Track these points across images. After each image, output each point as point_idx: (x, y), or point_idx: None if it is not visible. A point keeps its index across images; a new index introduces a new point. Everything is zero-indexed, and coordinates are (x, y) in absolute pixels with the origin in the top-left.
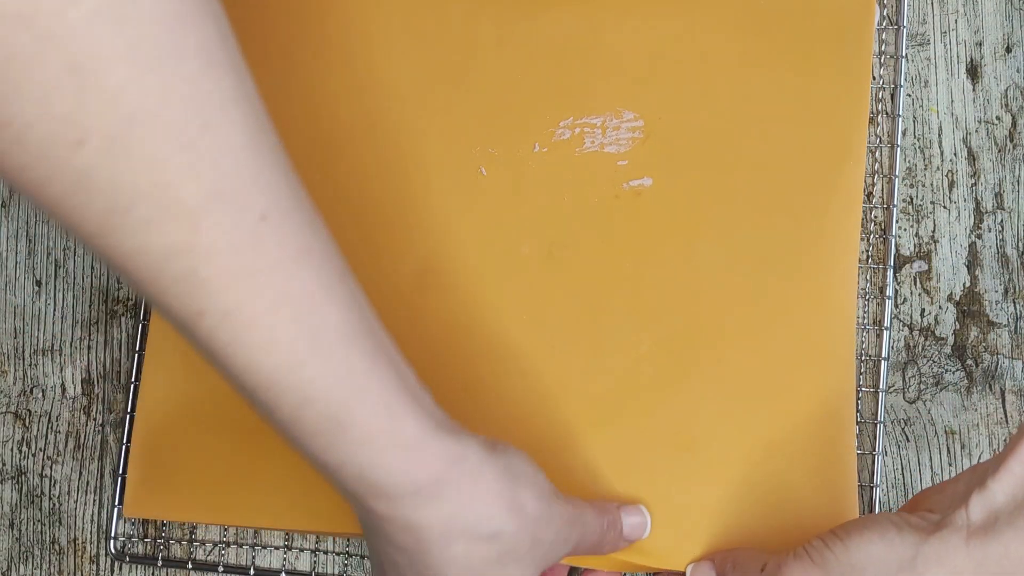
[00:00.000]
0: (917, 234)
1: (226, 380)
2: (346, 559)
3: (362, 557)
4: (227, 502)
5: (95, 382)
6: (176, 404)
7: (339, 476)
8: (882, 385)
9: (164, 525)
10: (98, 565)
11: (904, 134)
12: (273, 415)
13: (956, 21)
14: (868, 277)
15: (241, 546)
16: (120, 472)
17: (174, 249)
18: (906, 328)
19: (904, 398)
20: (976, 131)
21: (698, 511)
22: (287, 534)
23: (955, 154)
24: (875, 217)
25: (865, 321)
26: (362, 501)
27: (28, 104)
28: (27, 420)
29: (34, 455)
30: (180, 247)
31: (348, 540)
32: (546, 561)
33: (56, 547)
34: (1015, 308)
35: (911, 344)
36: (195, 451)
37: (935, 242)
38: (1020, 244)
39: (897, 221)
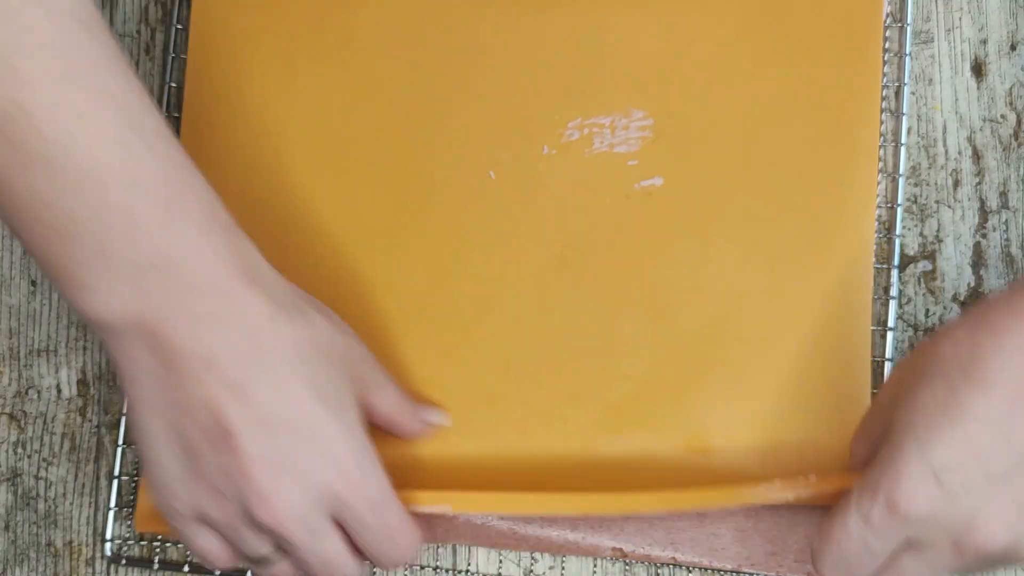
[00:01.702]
0: (921, 233)
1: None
2: None
3: None
4: None
5: (91, 383)
6: None
7: (165, 272)
8: None
9: None
10: (94, 568)
11: (908, 132)
12: (103, 208)
13: (960, 18)
14: (872, 277)
15: None
16: (116, 474)
17: None
18: (910, 329)
19: None
20: (981, 129)
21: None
22: None
23: (960, 152)
24: (879, 216)
25: None
26: (181, 304)
27: None
28: (22, 422)
29: (29, 457)
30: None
31: None
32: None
33: (52, 549)
34: None
35: (915, 345)
36: None
37: (939, 241)
38: None
39: (901, 220)
